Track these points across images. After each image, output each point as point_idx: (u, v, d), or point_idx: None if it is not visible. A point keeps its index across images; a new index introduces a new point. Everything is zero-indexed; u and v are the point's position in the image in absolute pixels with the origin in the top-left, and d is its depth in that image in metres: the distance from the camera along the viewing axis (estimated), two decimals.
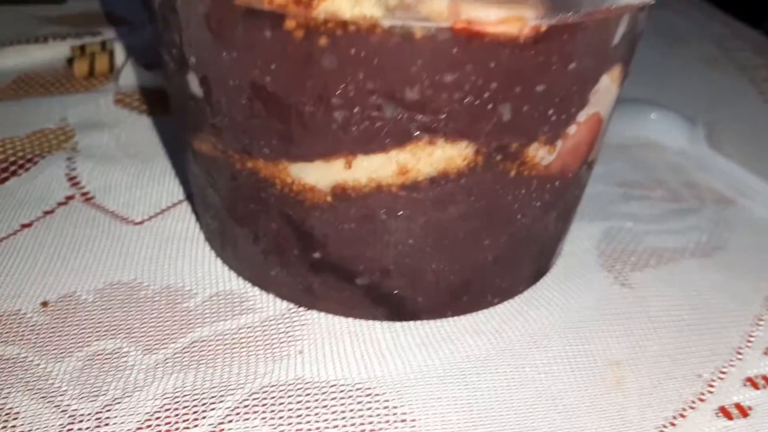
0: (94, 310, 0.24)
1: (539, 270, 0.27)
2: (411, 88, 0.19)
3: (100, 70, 0.43)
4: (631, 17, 0.21)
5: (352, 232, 0.22)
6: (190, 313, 0.24)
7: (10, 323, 0.23)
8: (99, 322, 0.24)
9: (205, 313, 0.24)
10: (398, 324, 0.25)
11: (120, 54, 0.44)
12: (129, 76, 0.42)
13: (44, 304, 0.24)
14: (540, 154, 0.22)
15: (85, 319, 0.24)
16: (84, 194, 0.31)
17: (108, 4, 0.55)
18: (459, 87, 0.19)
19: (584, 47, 0.20)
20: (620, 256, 0.30)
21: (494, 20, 0.18)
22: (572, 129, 0.22)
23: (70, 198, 0.31)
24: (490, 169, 0.21)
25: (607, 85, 0.23)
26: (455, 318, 0.25)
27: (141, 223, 0.29)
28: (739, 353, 0.25)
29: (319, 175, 0.21)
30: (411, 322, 0.25)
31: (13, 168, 0.33)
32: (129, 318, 0.24)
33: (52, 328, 0.23)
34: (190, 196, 0.31)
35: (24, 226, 0.29)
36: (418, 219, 0.22)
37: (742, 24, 0.63)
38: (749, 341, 0.26)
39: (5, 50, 0.45)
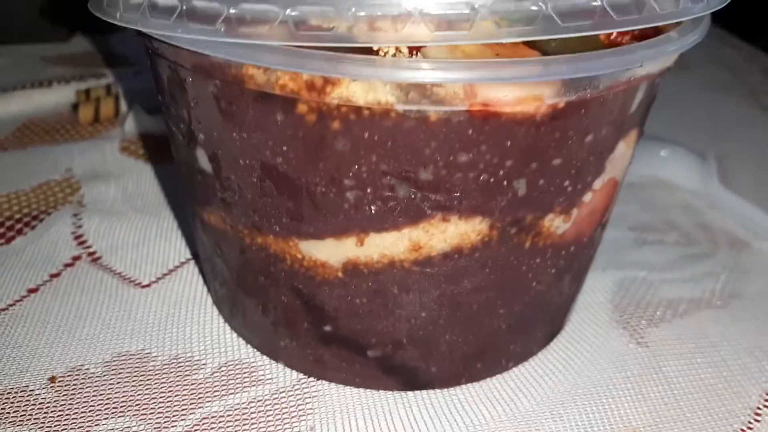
0: (103, 384, 0.24)
1: (553, 331, 0.27)
2: (425, 169, 0.19)
3: (105, 115, 0.43)
4: (650, 84, 0.21)
5: (364, 306, 0.22)
6: (200, 386, 0.24)
7: (18, 401, 0.23)
8: (107, 398, 0.23)
9: (215, 386, 0.24)
10: (411, 394, 0.24)
11: (124, 99, 0.44)
12: (134, 123, 0.42)
13: (52, 379, 0.24)
14: (555, 224, 0.21)
15: (93, 396, 0.23)
16: (90, 254, 0.31)
17: (111, 43, 0.55)
18: (474, 166, 0.19)
19: (601, 119, 0.20)
20: (635, 310, 0.29)
21: (511, 100, 0.18)
22: (588, 197, 0.22)
23: (76, 258, 0.30)
24: (504, 243, 0.21)
25: (623, 151, 0.22)
26: (469, 385, 0.25)
27: (148, 285, 0.29)
28: (758, 414, 0.25)
29: (330, 252, 0.21)
30: (424, 392, 0.24)
31: (19, 226, 0.32)
32: (137, 393, 0.23)
33: (60, 405, 0.23)
34: (196, 255, 0.30)
35: (30, 291, 0.28)
36: (431, 293, 0.21)
37: (754, 48, 0.63)
38: (767, 402, 0.25)
39: (10, 95, 0.45)
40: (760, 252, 0.34)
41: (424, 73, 0.16)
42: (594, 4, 0.15)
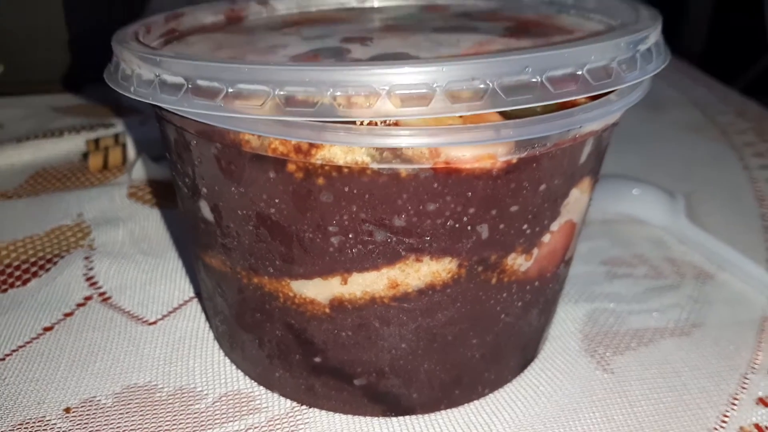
0: (113, 414, 0.26)
1: (526, 359, 0.29)
2: (398, 217, 0.21)
3: (113, 163, 0.46)
4: (596, 138, 0.24)
5: (349, 338, 0.24)
6: (202, 415, 0.26)
7: (35, 430, 0.25)
8: (118, 427, 0.26)
9: (216, 414, 0.26)
10: (395, 419, 0.26)
11: (132, 147, 0.47)
12: (140, 170, 0.45)
13: (67, 410, 0.26)
14: (518, 263, 0.24)
15: (105, 425, 0.26)
16: (101, 294, 0.33)
17: (118, 94, 0.58)
18: (441, 214, 0.21)
19: (553, 171, 0.23)
20: (603, 339, 0.32)
21: (470, 159, 0.20)
22: (547, 237, 0.25)
23: (88, 298, 0.33)
24: (472, 279, 0.23)
25: (578, 196, 0.25)
26: (448, 410, 0.27)
27: (155, 323, 0.31)
28: None
29: (318, 290, 0.23)
30: (407, 417, 0.26)
31: (34, 269, 0.35)
32: (145, 421, 0.26)
33: None
34: (199, 294, 0.33)
35: (46, 329, 0.31)
36: (409, 325, 0.24)
37: (727, 87, 0.66)
38: (723, 421, 0.27)
39: (23, 145, 0.49)
40: (723, 283, 0.37)
41: (393, 139, 0.19)
42: (533, 80, 0.18)
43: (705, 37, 1.46)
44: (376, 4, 0.36)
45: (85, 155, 0.47)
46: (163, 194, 0.43)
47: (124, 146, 0.47)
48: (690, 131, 0.57)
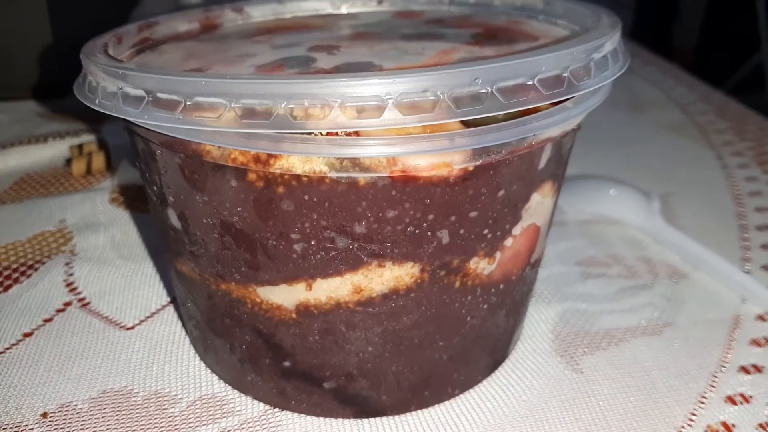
0: (89, 419, 0.27)
1: (496, 360, 0.30)
2: (359, 224, 0.22)
3: (96, 168, 0.47)
4: (555, 143, 0.24)
5: (317, 343, 0.25)
6: (176, 419, 0.27)
7: None
8: (93, 431, 0.26)
9: (190, 418, 0.27)
10: (366, 421, 0.27)
11: (115, 152, 0.47)
12: (123, 175, 0.45)
13: (44, 415, 0.27)
14: (481, 266, 0.25)
15: (81, 429, 0.26)
16: (81, 300, 0.34)
17: None
18: (400, 221, 0.22)
19: (510, 177, 0.23)
20: (574, 339, 0.32)
21: (426, 167, 0.21)
22: (509, 241, 0.25)
23: (68, 304, 0.33)
24: (435, 283, 0.24)
25: (539, 200, 0.25)
26: (419, 411, 0.27)
27: (132, 328, 0.32)
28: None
29: (284, 296, 0.24)
30: (378, 419, 0.27)
31: (15, 275, 0.36)
32: (120, 426, 0.26)
33: None
34: (175, 299, 0.33)
35: (26, 335, 0.31)
36: (374, 329, 0.25)
37: (710, 86, 0.67)
38: (691, 420, 0.28)
39: (8, 151, 0.49)
40: (696, 282, 0.37)
41: (349, 149, 0.19)
42: (482, 91, 0.19)
43: (696, 35, 1.47)
44: (350, 11, 0.36)
45: (69, 161, 0.47)
46: (144, 199, 0.43)
47: (107, 151, 0.47)
48: (669, 131, 0.57)
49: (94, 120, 0.55)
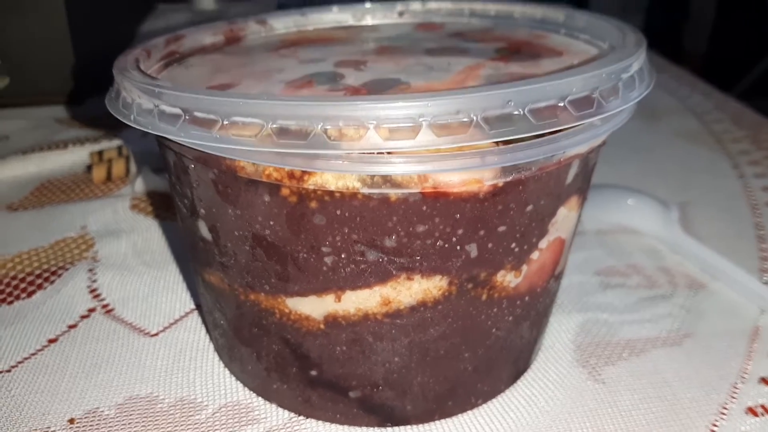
0: (116, 425, 0.27)
1: (519, 370, 0.30)
2: (389, 238, 0.22)
3: (116, 174, 0.47)
4: (582, 159, 0.25)
5: (344, 353, 0.25)
6: (202, 425, 0.27)
7: None
8: None
9: (215, 425, 0.27)
10: (390, 430, 0.27)
11: (134, 160, 0.48)
12: (143, 182, 0.46)
13: (71, 420, 0.27)
14: (507, 279, 0.25)
15: None
16: (104, 306, 0.34)
17: None
18: (430, 235, 0.22)
19: (539, 192, 0.23)
20: (595, 349, 0.32)
21: (457, 183, 0.21)
22: (536, 254, 0.25)
23: (92, 310, 0.34)
24: (463, 296, 0.24)
25: (565, 214, 0.26)
26: (442, 421, 0.28)
27: (156, 334, 0.32)
28: None
29: (312, 307, 0.24)
30: (402, 427, 0.27)
31: (39, 281, 0.36)
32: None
33: None
34: (199, 306, 0.34)
35: (50, 341, 0.32)
36: (401, 340, 0.25)
37: (725, 94, 0.67)
38: (712, 431, 0.28)
39: (28, 157, 0.50)
40: (715, 293, 0.37)
41: (382, 167, 0.20)
42: (515, 113, 0.19)
43: (707, 38, 1.46)
44: (371, 22, 0.36)
45: (89, 167, 0.48)
46: (165, 206, 0.43)
47: (127, 158, 0.48)
48: (686, 140, 0.57)
49: (113, 127, 0.55)
